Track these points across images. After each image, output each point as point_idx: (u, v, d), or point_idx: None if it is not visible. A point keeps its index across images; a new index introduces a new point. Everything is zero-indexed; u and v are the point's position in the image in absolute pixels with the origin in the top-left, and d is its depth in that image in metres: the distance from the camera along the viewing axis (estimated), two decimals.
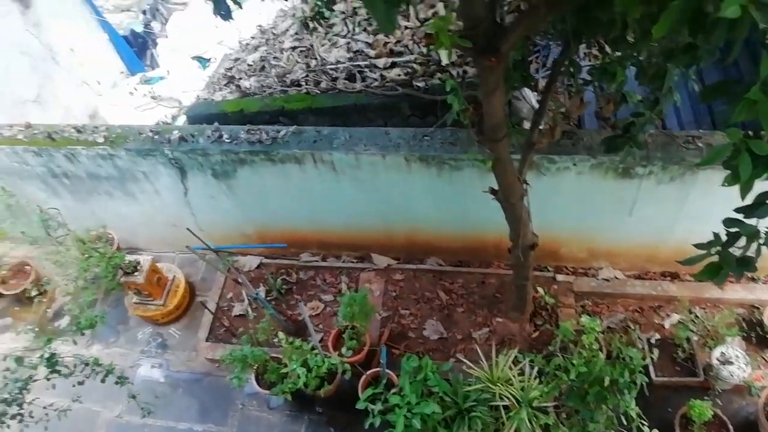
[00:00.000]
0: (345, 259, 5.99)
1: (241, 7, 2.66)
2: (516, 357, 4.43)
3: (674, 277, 5.34)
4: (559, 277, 5.47)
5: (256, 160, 4.84)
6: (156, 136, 4.93)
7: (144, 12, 8.94)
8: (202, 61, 7.97)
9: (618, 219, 4.81)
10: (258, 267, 6.08)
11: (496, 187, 3.62)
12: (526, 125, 4.16)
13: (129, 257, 5.46)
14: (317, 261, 6.05)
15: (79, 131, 5.11)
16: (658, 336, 4.98)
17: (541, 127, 3.19)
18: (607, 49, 3.09)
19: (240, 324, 5.62)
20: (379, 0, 1.53)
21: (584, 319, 4.20)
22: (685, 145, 4.10)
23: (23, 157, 5.27)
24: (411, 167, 4.64)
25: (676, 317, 5.09)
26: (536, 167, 4.30)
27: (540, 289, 5.29)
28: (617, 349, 3.97)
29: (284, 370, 4.59)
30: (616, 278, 5.43)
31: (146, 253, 6.29)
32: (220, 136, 4.83)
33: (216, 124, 4.92)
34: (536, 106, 5.55)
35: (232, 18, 2.54)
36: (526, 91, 5.16)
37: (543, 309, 5.27)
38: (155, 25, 8.83)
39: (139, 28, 8.72)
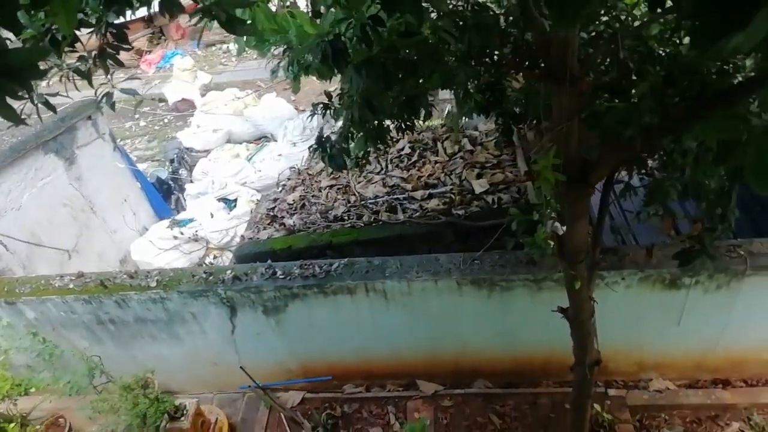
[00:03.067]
0: (390, 389, 5.90)
1: (352, 161, 2.93)
2: None
3: (726, 384, 5.34)
4: (611, 392, 5.42)
5: (309, 294, 4.95)
6: (210, 277, 5.06)
7: (172, 161, 9.55)
8: (228, 201, 8.35)
9: (666, 330, 4.91)
10: (301, 402, 5.93)
11: (555, 306, 3.77)
12: None
13: (177, 401, 5.33)
14: (361, 392, 5.93)
15: (131, 277, 5.23)
16: None
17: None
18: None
19: None
20: None
21: None
22: (728, 254, 4.34)
23: (72, 305, 5.31)
24: (462, 291, 4.78)
25: (735, 426, 5.03)
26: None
27: (596, 406, 5.22)
28: None
29: None
30: (668, 389, 5.40)
31: (182, 395, 6.13)
32: (274, 273, 4.98)
33: (269, 261, 5.08)
34: None
35: (347, 168, 2.80)
36: None
37: (601, 427, 5.17)
38: (183, 172, 9.36)
39: (164, 175, 9.23)
